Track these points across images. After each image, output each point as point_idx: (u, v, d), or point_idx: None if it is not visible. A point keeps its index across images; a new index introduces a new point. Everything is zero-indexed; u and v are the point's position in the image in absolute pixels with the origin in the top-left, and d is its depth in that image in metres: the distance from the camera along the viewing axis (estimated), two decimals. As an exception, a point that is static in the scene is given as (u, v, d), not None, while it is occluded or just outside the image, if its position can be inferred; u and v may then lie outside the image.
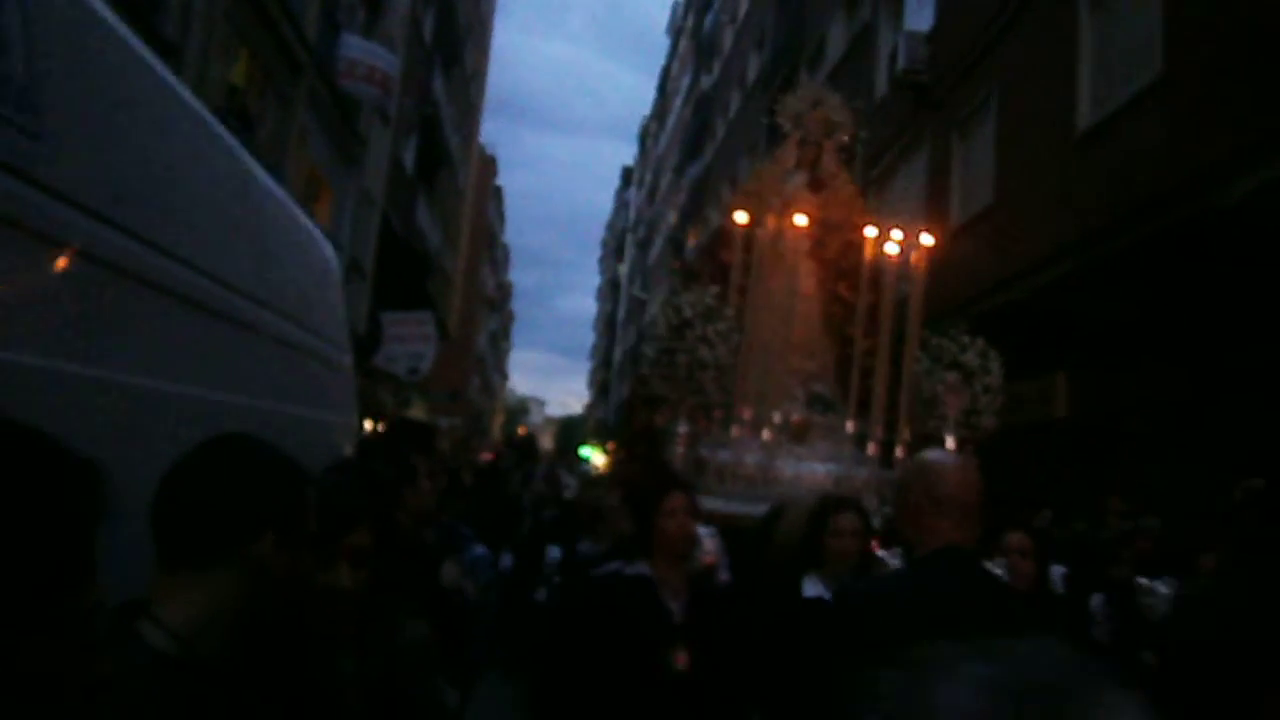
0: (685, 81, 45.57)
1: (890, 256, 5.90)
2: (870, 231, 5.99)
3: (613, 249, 78.09)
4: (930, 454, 2.43)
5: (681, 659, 3.03)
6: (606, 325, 75.42)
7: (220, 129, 3.01)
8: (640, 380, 6.65)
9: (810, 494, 4.56)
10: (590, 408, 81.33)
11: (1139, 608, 3.83)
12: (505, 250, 65.73)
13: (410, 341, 18.30)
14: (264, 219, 3.42)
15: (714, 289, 5.79)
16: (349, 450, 4.22)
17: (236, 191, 3.09)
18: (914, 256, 5.92)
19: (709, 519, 4.33)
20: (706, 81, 37.98)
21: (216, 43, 10.37)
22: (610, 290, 75.78)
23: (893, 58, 15.11)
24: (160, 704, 1.27)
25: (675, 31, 52.89)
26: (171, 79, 2.57)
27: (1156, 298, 8.65)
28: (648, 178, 60.71)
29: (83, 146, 1.87)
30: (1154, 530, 6.28)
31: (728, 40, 34.15)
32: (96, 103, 1.97)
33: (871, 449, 5.83)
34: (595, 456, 51.27)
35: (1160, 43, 8.48)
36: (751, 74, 28.91)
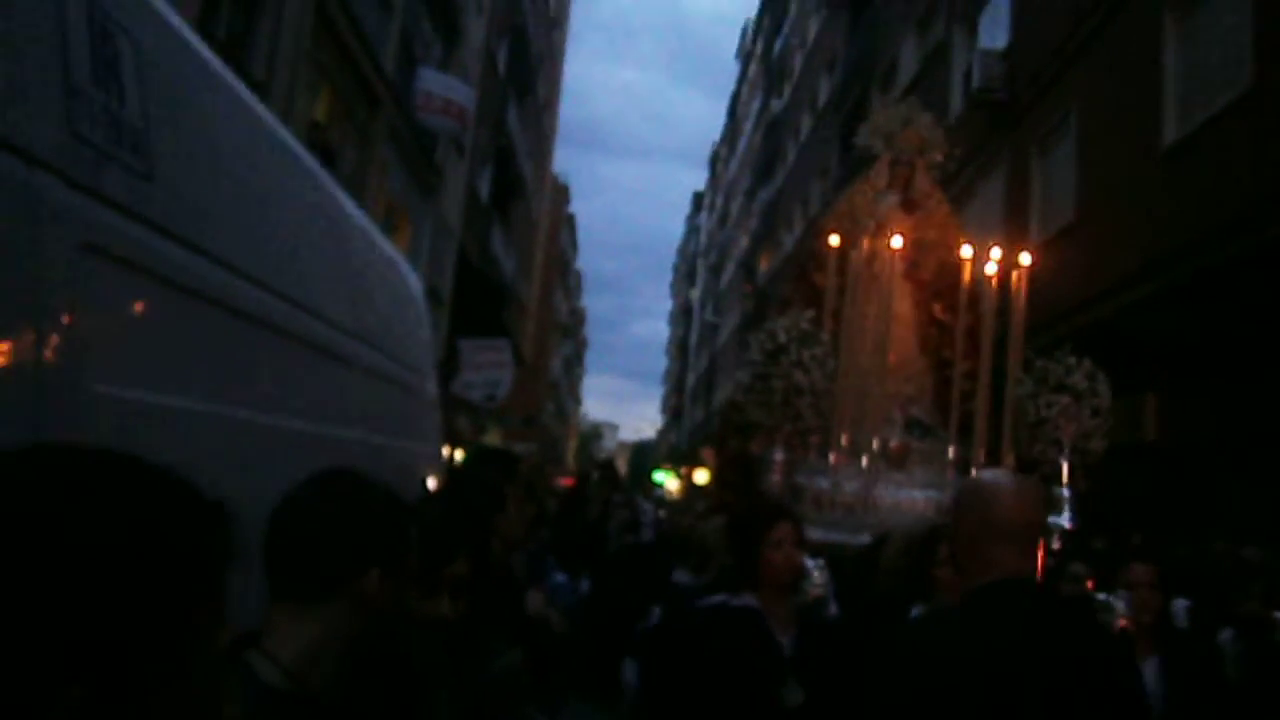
0: (755, 106, 45.61)
1: (989, 276, 5.75)
2: (966, 251, 5.84)
3: (684, 274, 78.26)
4: (986, 474, 2.30)
5: (795, 695, 2.93)
6: (679, 350, 75.48)
7: (312, 164, 3.10)
8: (734, 407, 6.39)
9: (915, 522, 4.44)
10: (663, 432, 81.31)
11: (1276, 645, 3.64)
12: (578, 276, 66.33)
13: (487, 369, 18.50)
14: (354, 251, 3.51)
15: (809, 313, 5.68)
16: (436, 478, 4.27)
17: (328, 225, 3.17)
18: (1014, 276, 5.71)
19: (815, 550, 4.21)
20: (777, 105, 37.96)
21: (300, 80, 10.69)
22: (682, 315, 75.89)
23: (967, 76, 14.92)
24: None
25: (745, 56, 53.03)
26: (268, 117, 2.66)
27: (1247, 317, 8.36)
28: (718, 202, 60.79)
29: (189, 186, 1.94)
30: (1265, 561, 6.03)
31: (798, 63, 34.11)
32: (201, 143, 2.04)
33: (974, 474, 5.59)
34: (669, 481, 51.22)
35: (1250, 54, 8.24)
36: (822, 97, 28.82)
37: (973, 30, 16.07)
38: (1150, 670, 3.49)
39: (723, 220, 57.01)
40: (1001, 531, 2.04)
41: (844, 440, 5.41)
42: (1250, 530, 6.96)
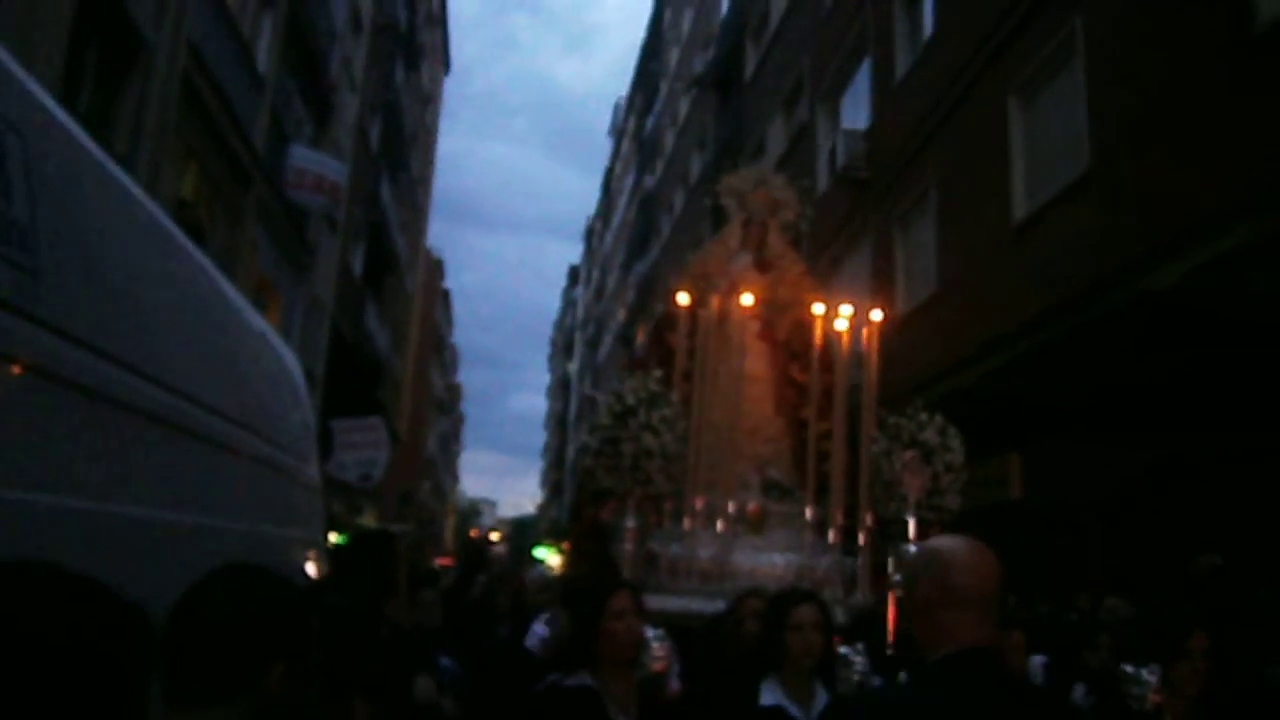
0: (629, 181, 46.52)
1: (840, 334, 5.72)
2: (818, 308, 5.77)
3: (562, 347, 78.41)
4: (940, 541, 2.14)
5: None
6: (558, 424, 75.18)
7: (191, 247, 3.03)
8: (586, 473, 6.17)
9: (755, 589, 4.29)
10: (543, 507, 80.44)
11: (1124, 697, 3.62)
12: (454, 352, 65.63)
13: (361, 448, 18.09)
14: (234, 335, 3.43)
15: (657, 373, 5.51)
16: (320, 566, 4.14)
17: (209, 310, 3.10)
18: (865, 333, 5.70)
19: (661, 620, 4.06)
20: (650, 181, 38.81)
21: (166, 156, 10.43)
22: (560, 389, 75.80)
23: (832, 154, 15.62)
24: None
25: (618, 134, 54.20)
26: (150, 203, 2.60)
27: (1100, 380, 8.89)
28: (595, 276, 61.40)
29: (73, 280, 1.89)
30: (1118, 613, 6.25)
31: (669, 141, 35.04)
32: (85, 236, 1.99)
33: (833, 536, 5.56)
34: (550, 557, 50.57)
35: (1087, 137, 8.89)
36: (694, 173, 29.62)
37: (835, 111, 16.88)
38: None
39: (599, 293, 57.54)
40: (959, 598, 1.92)
41: (699, 504, 5.29)
42: (1116, 583, 7.30)
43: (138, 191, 2.46)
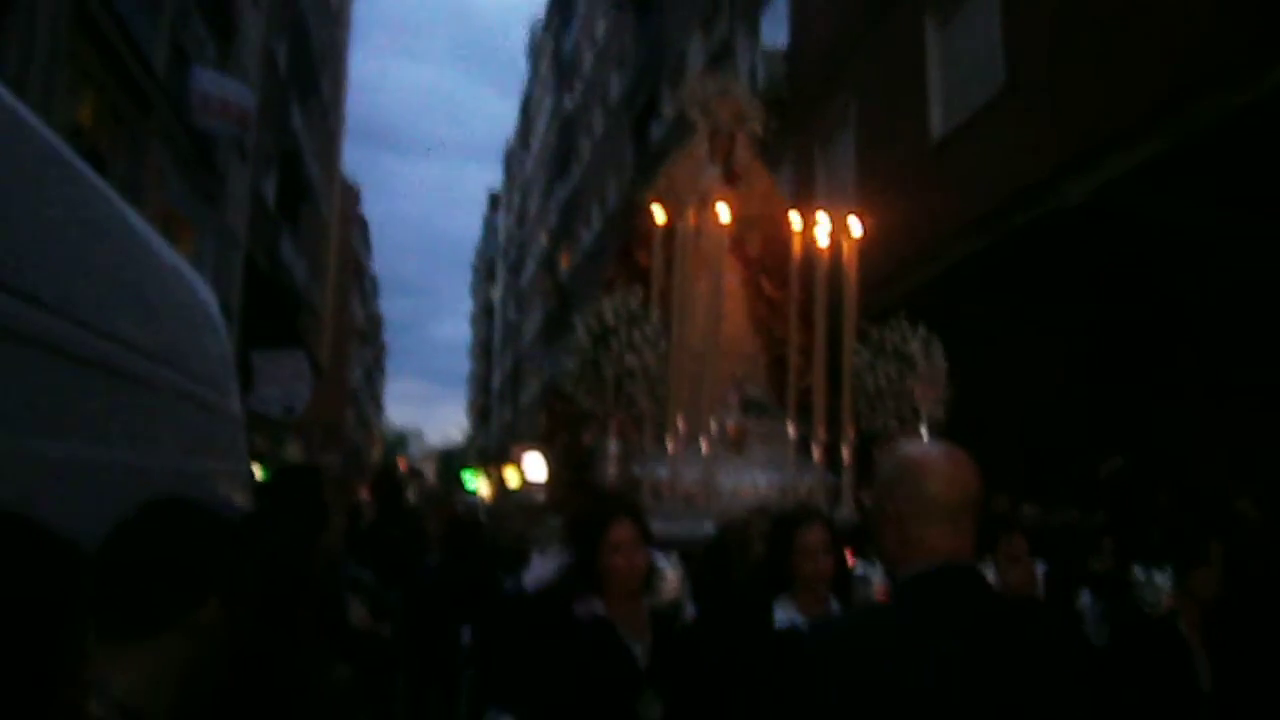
0: (548, 103, 45.72)
1: (819, 247, 5.46)
2: (795, 220, 5.51)
3: (484, 273, 77.54)
4: (911, 447, 1.95)
5: (652, 709, 2.71)
6: (483, 351, 74.74)
7: (96, 178, 2.91)
8: (560, 399, 5.89)
9: (758, 509, 4.20)
10: (471, 435, 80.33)
11: (1135, 602, 3.53)
12: (374, 281, 64.50)
13: (284, 381, 17.78)
14: (142, 266, 3.32)
15: (637, 290, 5.29)
16: (244, 499, 4.09)
17: (114, 241, 2.99)
18: (846, 245, 5.47)
19: (665, 544, 3.87)
20: (569, 103, 38.21)
21: (60, 82, 9.92)
22: (484, 316, 75.17)
23: (753, 74, 15.53)
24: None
25: (535, 54, 53.04)
26: (45, 130, 2.49)
27: (1016, 293, 9.13)
28: (516, 201, 60.58)
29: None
30: (1031, 518, 6.37)
31: (588, 61, 34.46)
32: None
33: (816, 453, 5.35)
34: (480, 484, 50.61)
35: (1002, 55, 8.98)
36: (614, 94, 29.23)
37: (755, 30, 16.74)
38: None
39: (521, 218, 56.88)
40: (933, 509, 1.75)
41: (681, 425, 5.06)
42: (1031, 489, 7.52)
43: (31, 117, 2.34)
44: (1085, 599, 4.53)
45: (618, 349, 4.97)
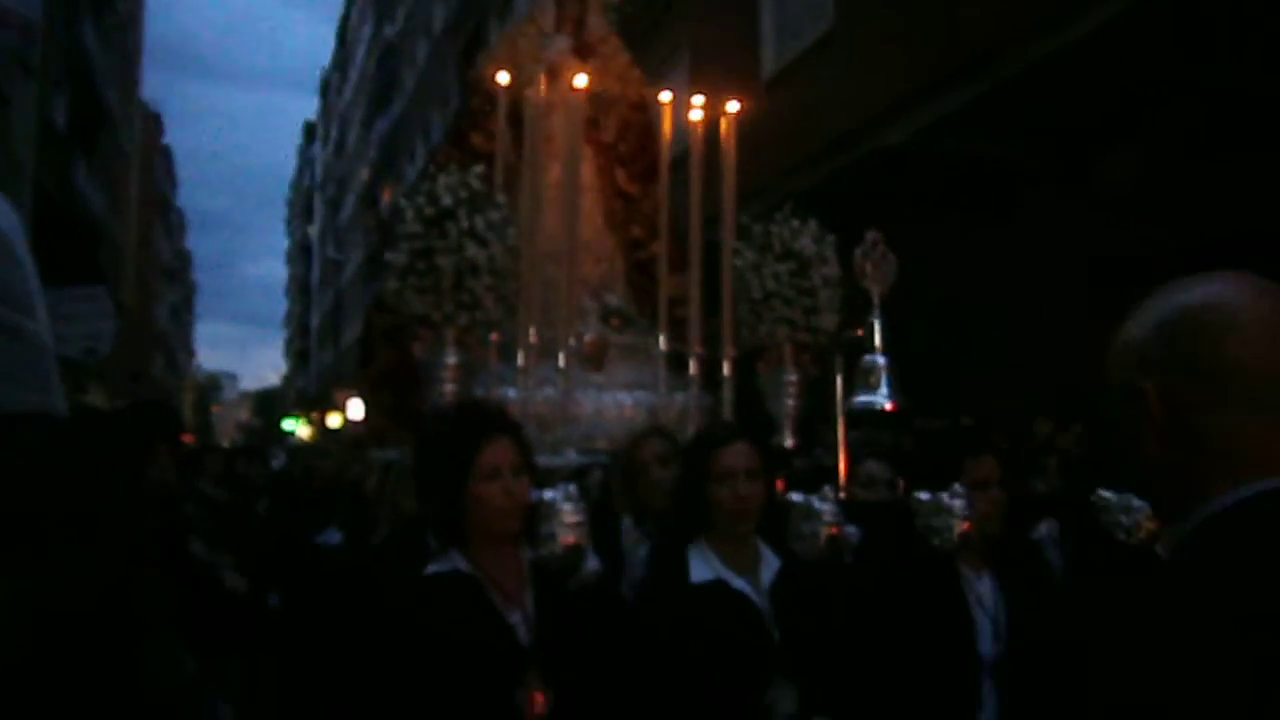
0: (367, 31, 43.82)
1: (694, 124, 4.70)
2: (665, 97, 4.77)
3: (300, 209, 74.23)
4: (1199, 287, 1.15)
5: (538, 699, 2.12)
6: (300, 290, 71.85)
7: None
8: (381, 308, 5.07)
9: (652, 429, 3.68)
10: (289, 378, 77.51)
11: (1105, 528, 3.02)
12: (181, 215, 60.65)
13: (83, 320, 16.53)
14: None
15: (478, 168, 4.30)
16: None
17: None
18: (723, 124, 4.73)
19: (553, 473, 3.27)
20: (390, 31, 36.75)
21: None
22: (301, 253, 72.13)
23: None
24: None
25: (351, -22, 50.63)
26: None
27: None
28: (333, 133, 58.05)
29: None
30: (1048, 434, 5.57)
31: (410, -12, 33.20)
32: None
33: (693, 368, 4.63)
34: (300, 428, 49.02)
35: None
36: (438, 24, 28.30)
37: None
38: (986, 589, 2.92)
39: (339, 151, 54.63)
40: (1255, 388, 1.07)
41: (532, 337, 4.29)
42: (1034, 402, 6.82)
43: None
44: (1043, 529, 3.92)
45: (456, 235, 4.07)
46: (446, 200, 4.11)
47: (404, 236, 4.11)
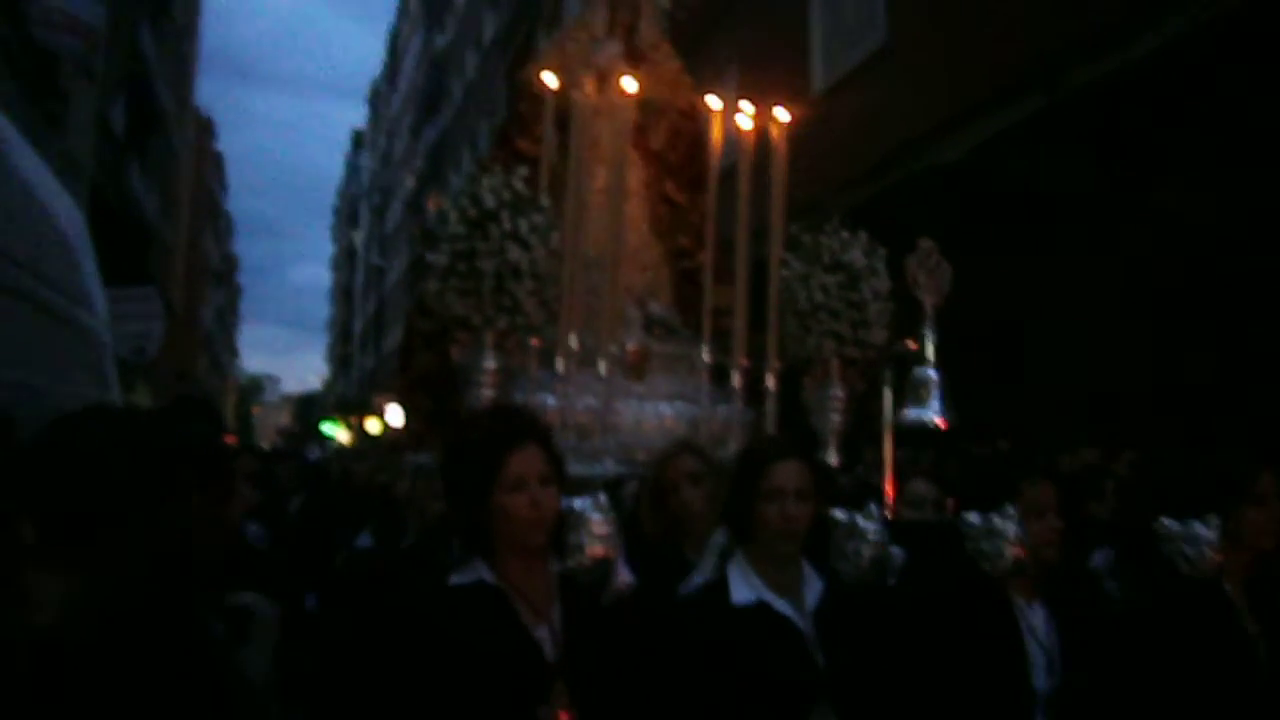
0: (417, 41, 44.30)
1: (745, 133, 4.56)
2: (715, 103, 4.62)
3: (346, 216, 75.09)
4: None
5: (563, 718, 2.05)
6: (344, 296, 72.65)
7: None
8: (422, 311, 4.99)
9: (681, 442, 3.55)
10: (330, 383, 78.30)
11: (1169, 559, 2.81)
12: (229, 220, 61.61)
13: (134, 320, 16.83)
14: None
15: (523, 170, 4.25)
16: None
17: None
18: (774, 135, 4.59)
19: (582, 484, 3.13)
20: (440, 41, 37.11)
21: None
22: (346, 259, 72.96)
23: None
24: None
25: (403, -12, 51.23)
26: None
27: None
28: (381, 141, 58.72)
29: None
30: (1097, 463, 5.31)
31: (460, -1, 33.51)
32: None
33: (737, 381, 4.52)
34: (339, 432, 49.45)
35: (884, 14, 9.15)
36: (488, 34, 28.52)
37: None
38: (1039, 619, 2.83)
39: (386, 159, 55.23)
40: None
41: (573, 343, 4.19)
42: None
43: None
44: (1099, 558, 3.72)
45: (498, 238, 4.00)
46: (489, 202, 4.04)
47: (446, 238, 4.04)
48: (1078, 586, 3.05)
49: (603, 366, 4.23)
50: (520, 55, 24.42)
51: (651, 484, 3.37)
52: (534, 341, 4.18)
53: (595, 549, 2.61)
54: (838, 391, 4.43)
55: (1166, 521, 2.85)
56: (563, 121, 4.53)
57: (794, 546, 2.52)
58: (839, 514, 3.11)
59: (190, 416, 2.95)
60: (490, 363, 4.07)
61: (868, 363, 4.48)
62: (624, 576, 2.67)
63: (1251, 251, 6.36)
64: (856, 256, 4.49)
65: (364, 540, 4.57)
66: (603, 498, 2.72)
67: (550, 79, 4.43)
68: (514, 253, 3.98)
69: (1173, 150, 6.87)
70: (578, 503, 2.54)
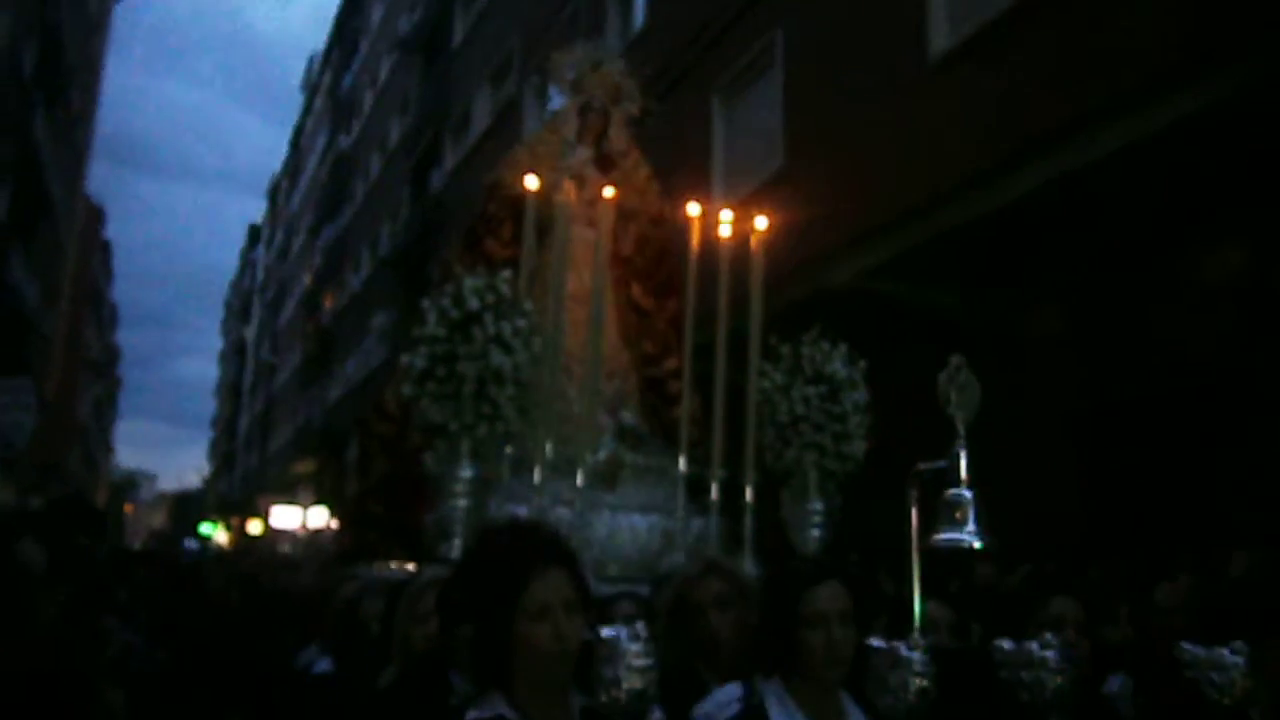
0: (321, 140, 44.31)
1: (725, 239, 4.53)
2: (694, 210, 4.57)
3: (238, 310, 73.39)
4: None
5: None
6: (231, 392, 70.45)
7: None
8: (380, 415, 4.85)
9: (708, 563, 3.29)
10: (211, 481, 75.19)
11: (1191, 686, 2.69)
12: (113, 309, 59.58)
13: (3, 411, 16.07)
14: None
15: (506, 273, 4.10)
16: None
17: None
18: (753, 242, 4.56)
19: (609, 603, 2.98)
20: (345, 142, 37.19)
21: None
22: (235, 354, 71.00)
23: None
24: None
25: (311, 87, 51.36)
26: None
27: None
28: (278, 237, 57.97)
29: None
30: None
31: (368, 102, 33.74)
32: None
33: (714, 493, 4.41)
34: (218, 534, 47.33)
35: (782, 140, 9.63)
36: (394, 138, 28.76)
37: (544, 92, 17.00)
38: None
39: (283, 255, 54.46)
40: None
41: (548, 452, 4.06)
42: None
43: None
44: (1113, 683, 3.55)
45: (481, 341, 3.85)
46: (473, 304, 3.91)
47: (424, 339, 3.89)
48: (1095, 713, 2.91)
49: (580, 476, 4.10)
50: (424, 160, 24.67)
51: (670, 607, 3.08)
52: (508, 449, 4.06)
53: (631, 681, 2.27)
54: (817, 505, 4.36)
55: (1189, 647, 2.72)
56: (522, 223, 4.46)
57: (840, 674, 2.38)
58: (876, 642, 2.81)
59: (70, 524, 2.83)
60: (467, 471, 3.92)
61: (845, 475, 4.42)
62: (655, 716, 2.39)
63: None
64: (838, 368, 4.46)
65: (322, 665, 4.06)
66: (640, 626, 2.38)
67: (531, 180, 4.37)
68: (497, 357, 3.86)
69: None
70: (607, 631, 2.27)
